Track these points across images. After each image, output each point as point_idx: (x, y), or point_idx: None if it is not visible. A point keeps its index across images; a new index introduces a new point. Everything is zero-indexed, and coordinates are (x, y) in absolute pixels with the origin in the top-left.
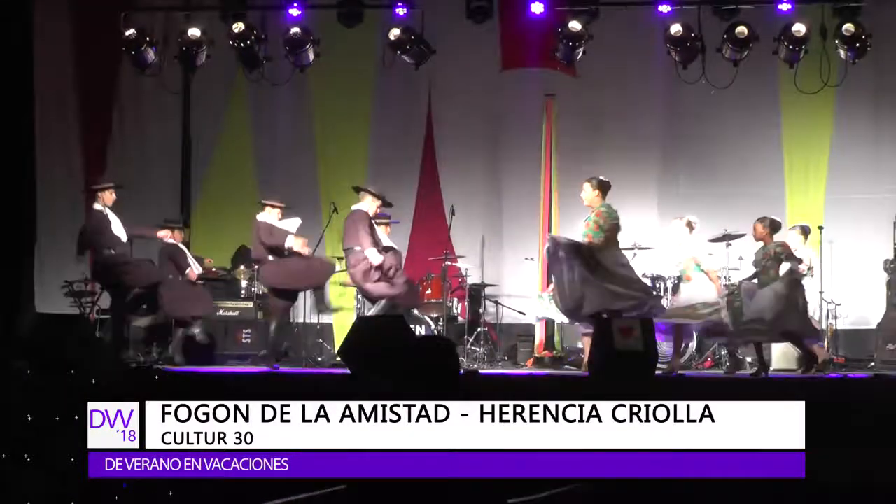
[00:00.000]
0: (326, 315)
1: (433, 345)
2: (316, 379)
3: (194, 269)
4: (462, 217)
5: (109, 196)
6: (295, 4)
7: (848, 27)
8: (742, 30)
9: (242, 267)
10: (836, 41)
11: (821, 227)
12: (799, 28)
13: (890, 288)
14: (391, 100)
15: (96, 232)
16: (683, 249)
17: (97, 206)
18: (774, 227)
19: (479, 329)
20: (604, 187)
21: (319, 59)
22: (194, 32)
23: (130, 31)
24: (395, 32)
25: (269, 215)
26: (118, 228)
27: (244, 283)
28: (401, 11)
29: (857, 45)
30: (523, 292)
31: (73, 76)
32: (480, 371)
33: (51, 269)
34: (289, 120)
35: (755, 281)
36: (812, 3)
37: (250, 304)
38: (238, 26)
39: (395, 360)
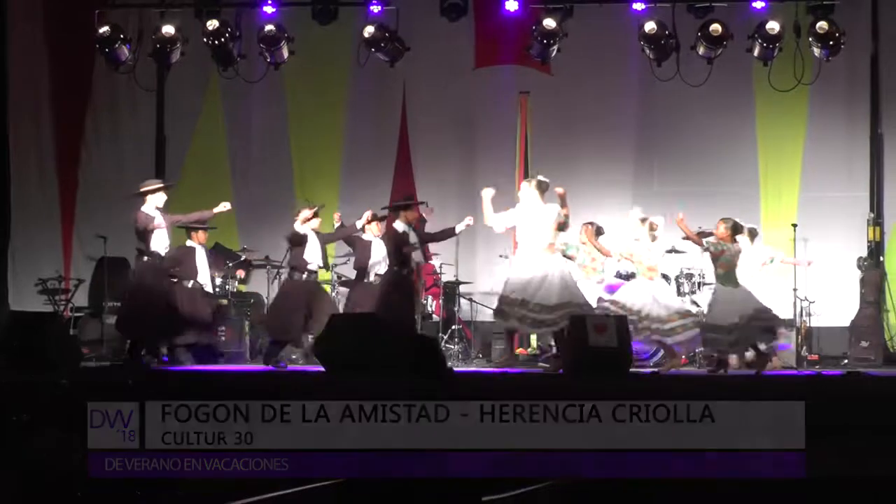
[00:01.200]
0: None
1: (419, 343)
2: (297, 377)
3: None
4: (436, 214)
5: (160, 197)
6: (269, 2)
7: (822, 25)
8: (716, 27)
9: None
10: (810, 39)
11: (794, 225)
12: (773, 26)
13: (863, 285)
14: (365, 97)
15: (140, 235)
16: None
17: (144, 209)
18: (737, 230)
19: (453, 327)
20: (542, 187)
21: (294, 56)
22: (168, 30)
23: (104, 29)
24: (369, 30)
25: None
26: (161, 236)
27: (218, 281)
28: (375, 9)
29: (831, 43)
30: (498, 290)
31: (46, 75)
32: (455, 369)
33: (24, 267)
34: (263, 117)
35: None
36: (786, 2)
37: (224, 302)
38: (212, 23)
39: (381, 358)
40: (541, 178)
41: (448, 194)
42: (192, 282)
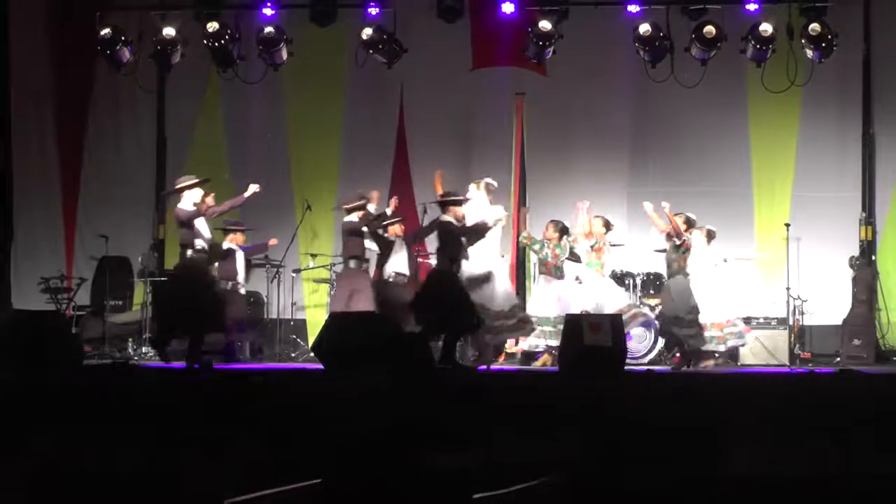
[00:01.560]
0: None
1: (409, 342)
2: (293, 374)
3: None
4: (434, 214)
5: (197, 192)
6: (268, 4)
7: (814, 27)
8: (710, 29)
9: (216, 263)
10: (803, 41)
11: (787, 225)
12: (766, 28)
13: (855, 284)
14: (363, 98)
15: (183, 230)
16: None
17: (181, 205)
18: (690, 223)
19: None
20: (490, 189)
21: (292, 58)
22: (169, 32)
23: (106, 31)
24: (367, 32)
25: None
26: (202, 230)
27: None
28: (373, 11)
29: (823, 44)
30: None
31: (49, 75)
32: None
33: (27, 266)
34: (262, 118)
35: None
36: (779, 4)
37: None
38: (212, 26)
39: (372, 357)
40: (488, 180)
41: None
42: (230, 283)
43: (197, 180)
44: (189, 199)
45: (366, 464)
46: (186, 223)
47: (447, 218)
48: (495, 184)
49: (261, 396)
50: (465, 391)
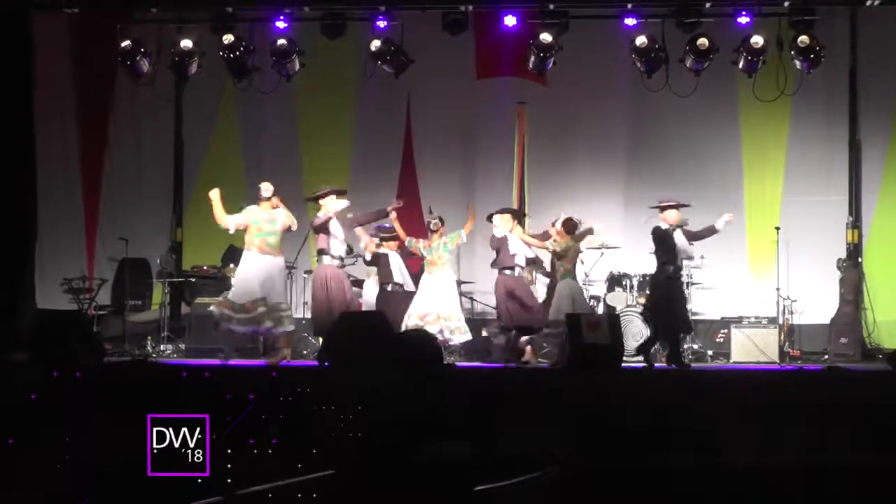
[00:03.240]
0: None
1: (416, 337)
2: (304, 371)
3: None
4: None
5: (331, 202)
6: (281, 17)
7: (803, 39)
8: (703, 41)
9: (231, 265)
10: (792, 52)
11: (777, 228)
12: (757, 40)
13: (842, 285)
14: (372, 107)
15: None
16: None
17: (320, 213)
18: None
19: None
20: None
21: (304, 68)
22: (186, 44)
23: (126, 43)
24: (375, 44)
25: None
26: (337, 230)
27: (233, 281)
28: (381, 24)
29: (812, 56)
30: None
31: (71, 85)
32: (457, 364)
33: (51, 267)
34: (275, 126)
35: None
36: (769, 17)
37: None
38: (228, 38)
39: (379, 352)
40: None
41: (450, 198)
42: (390, 284)
43: (331, 189)
44: (329, 208)
45: (373, 457)
46: (321, 228)
47: (664, 225)
48: (271, 186)
49: (274, 391)
50: (469, 388)
